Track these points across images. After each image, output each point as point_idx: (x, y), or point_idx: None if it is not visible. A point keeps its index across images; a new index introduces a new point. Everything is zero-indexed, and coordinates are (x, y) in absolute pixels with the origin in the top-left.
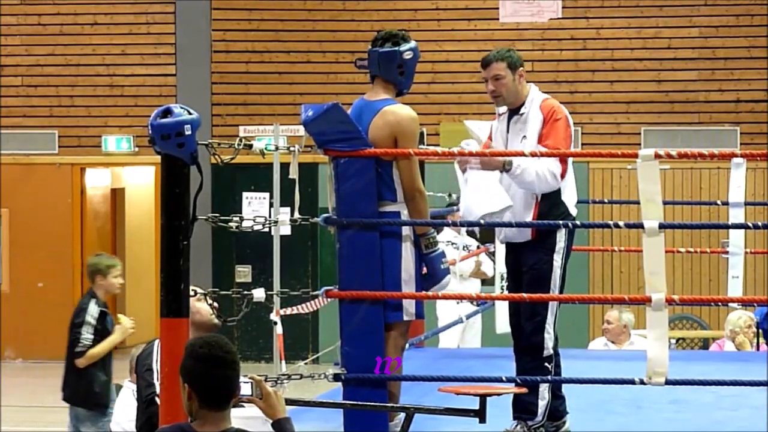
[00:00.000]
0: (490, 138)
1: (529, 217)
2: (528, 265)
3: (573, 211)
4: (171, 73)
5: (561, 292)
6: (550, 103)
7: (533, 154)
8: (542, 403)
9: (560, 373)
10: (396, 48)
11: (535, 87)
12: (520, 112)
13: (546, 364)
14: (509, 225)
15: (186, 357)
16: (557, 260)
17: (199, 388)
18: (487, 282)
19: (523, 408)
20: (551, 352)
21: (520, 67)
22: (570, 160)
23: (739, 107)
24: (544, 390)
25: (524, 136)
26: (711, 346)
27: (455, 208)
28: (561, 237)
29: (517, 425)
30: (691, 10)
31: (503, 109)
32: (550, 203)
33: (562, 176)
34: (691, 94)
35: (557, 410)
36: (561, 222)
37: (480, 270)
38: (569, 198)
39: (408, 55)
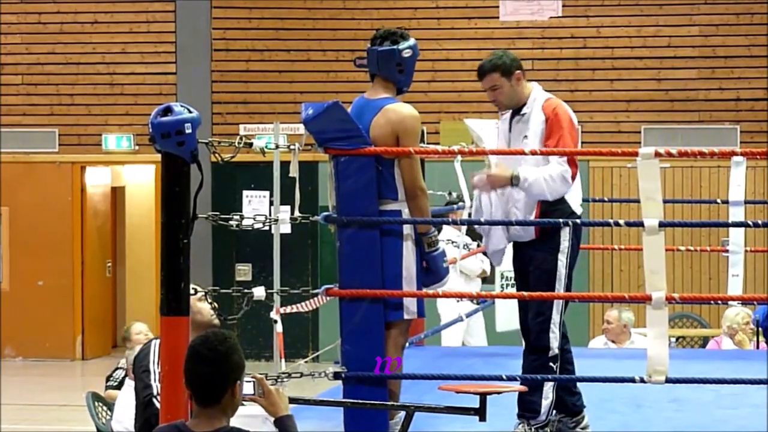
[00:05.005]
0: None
1: (531, 217)
2: (533, 264)
3: (578, 210)
4: (171, 71)
5: (568, 292)
6: (553, 103)
7: (533, 153)
8: (545, 403)
9: (573, 369)
10: (395, 46)
11: (538, 86)
12: (522, 112)
13: (551, 363)
14: (510, 223)
15: None
16: (562, 260)
17: (186, 385)
18: (488, 281)
19: (526, 407)
20: (556, 352)
21: (517, 70)
22: (577, 159)
23: (739, 105)
24: (548, 390)
25: (525, 136)
26: (709, 343)
27: (455, 206)
28: (565, 236)
29: (519, 425)
30: (691, 8)
31: (506, 110)
32: (552, 202)
33: (573, 178)
34: (691, 93)
35: (575, 405)
36: (561, 220)
37: (483, 269)
38: (573, 197)
39: (407, 54)
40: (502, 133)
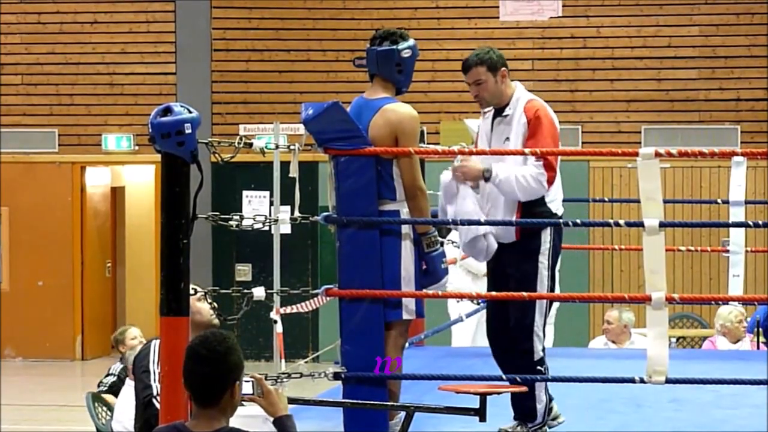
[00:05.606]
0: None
1: (512, 218)
2: (512, 267)
3: (559, 210)
4: (171, 71)
5: (551, 292)
6: (535, 105)
7: (534, 153)
8: (540, 406)
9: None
10: (394, 46)
11: (521, 86)
12: (504, 114)
13: (538, 367)
14: (509, 223)
15: None
16: (542, 261)
17: (185, 385)
18: None
19: (522, 412)
20: (541, 354)
21: (502, 67)
22: (558, 164)
23: (739, 105)
24: (541, 392)
25: (507, 138)
26: (704, 344)
27: None
28: (546, 238)
29: (517, 425)
30: (691, 8)
31: (488, 108)
32: (531, 203)
33: (550, 182)
34: (691, 93)
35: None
36: (561, 221)
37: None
38: (553, 200)
39: (406, 54)
40: (483, 133)
